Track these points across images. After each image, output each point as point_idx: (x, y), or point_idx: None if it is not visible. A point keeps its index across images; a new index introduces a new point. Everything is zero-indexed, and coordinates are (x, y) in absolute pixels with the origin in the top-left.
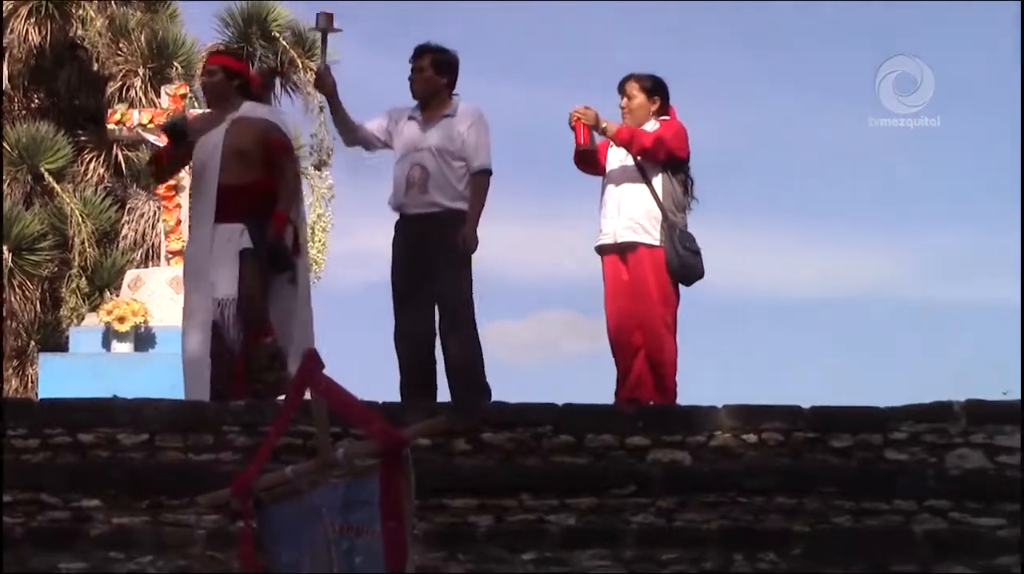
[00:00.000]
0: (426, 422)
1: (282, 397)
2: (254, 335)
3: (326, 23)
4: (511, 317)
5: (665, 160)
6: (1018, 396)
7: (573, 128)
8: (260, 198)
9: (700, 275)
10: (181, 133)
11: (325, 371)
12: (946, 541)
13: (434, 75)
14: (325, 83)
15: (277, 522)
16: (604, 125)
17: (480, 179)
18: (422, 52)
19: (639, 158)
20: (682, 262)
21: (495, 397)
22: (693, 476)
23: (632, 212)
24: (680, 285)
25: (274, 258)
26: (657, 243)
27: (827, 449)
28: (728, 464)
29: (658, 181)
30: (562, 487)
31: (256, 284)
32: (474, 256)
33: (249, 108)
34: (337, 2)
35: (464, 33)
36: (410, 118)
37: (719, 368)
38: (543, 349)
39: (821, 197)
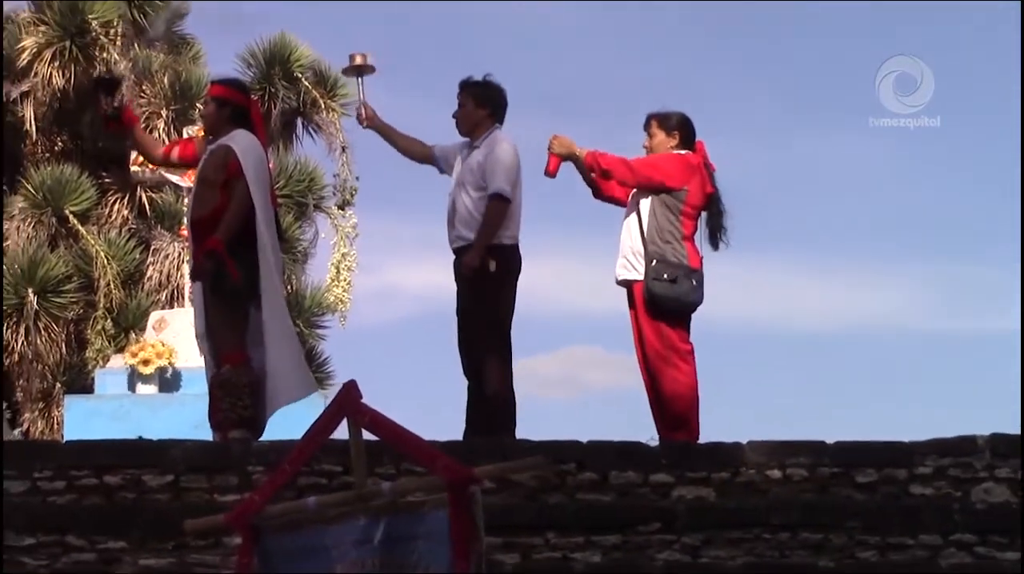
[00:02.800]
0: (512, 463)
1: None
2: (217, 366)
3: (360, 64)
4: (537, 353)
5: (639, 184)
6: None
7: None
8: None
9: (684, 304)
10: (110, 83)
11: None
12: None
13: (474, 108)
14: (364, 118)
15: (278, 552)
16: (577, 152)
17: (490, 204)
18: (463, 87)
19: (629, 188)
20: (652, 293)
21: (521, 433)
22: (718, 513)
23: (625, 249)
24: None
25: (214, 285)
26: (641, 277)
27: (852, 484)
28: (753, 500)
29: (645, 212)
30: (587, 525)
31: (215, 315)
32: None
33: (230, 136)
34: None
35: (495, 68)
36: (460, 151)
37: (743, 403)
38: (568, 384)
39: (837, 226)
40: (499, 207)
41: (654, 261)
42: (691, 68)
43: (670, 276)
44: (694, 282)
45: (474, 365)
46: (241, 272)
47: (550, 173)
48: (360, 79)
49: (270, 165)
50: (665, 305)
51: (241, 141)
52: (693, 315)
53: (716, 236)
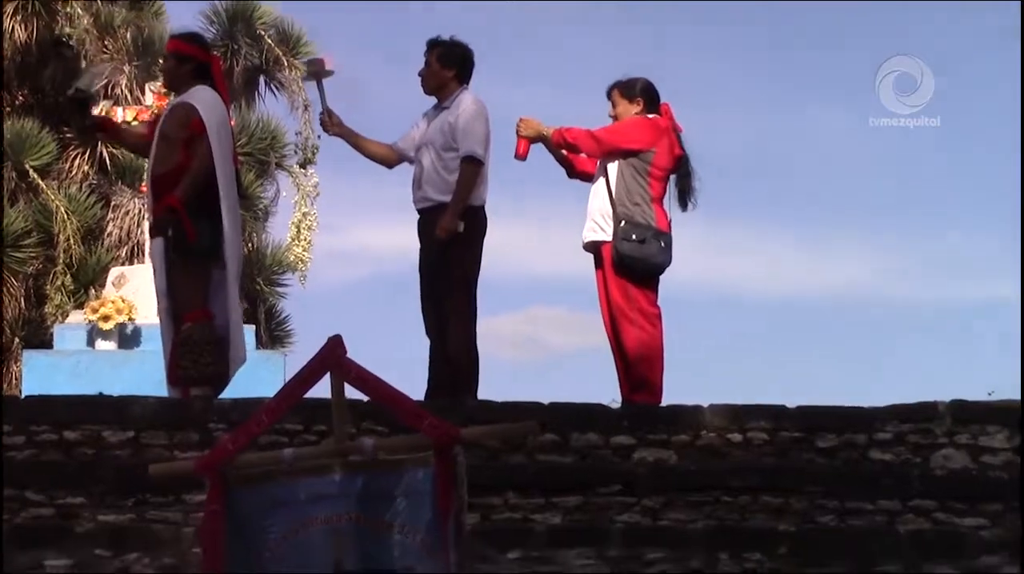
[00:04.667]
0: (502, 426)
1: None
2: (179, 323)
3: (318, 68)
4: (500, 313)
5: (607, 153)
6: (1002, 396)
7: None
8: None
9: (651, 265)
10: (84, 101)
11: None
12: (930, 541)
13: (440, 68)
14: (330, 128)
15: (249, 502)
16: (545, 132)
17: (463, 166)
18: (430, 46)
19: (597, 158)
20: (620, 254)
21: (483, 394)
22: (678, 475)
23: (593, 212)
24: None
25: (175, 245)
26: (609, 238)
27: (812, 449)
28: (714, 463)
29: (613, 175)
30: (547, 486)
31: (177, 273)
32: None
33: (192, 92)
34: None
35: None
36: (424, 115)
37: (705, 367)
38: (531, 345)
39: (811, 198)
40: (473, 169)
41: (623, 222)
42: (688, 54)
43: (639, 237)
44: (662, 243)
45: (438, 325)
46: (202, 230)
47: (520, 156)
48: (320, 84)
49: (232, 123)
50: (633, 265)
51: (203, 98)
52: (662, 278)
53: (685, 197)
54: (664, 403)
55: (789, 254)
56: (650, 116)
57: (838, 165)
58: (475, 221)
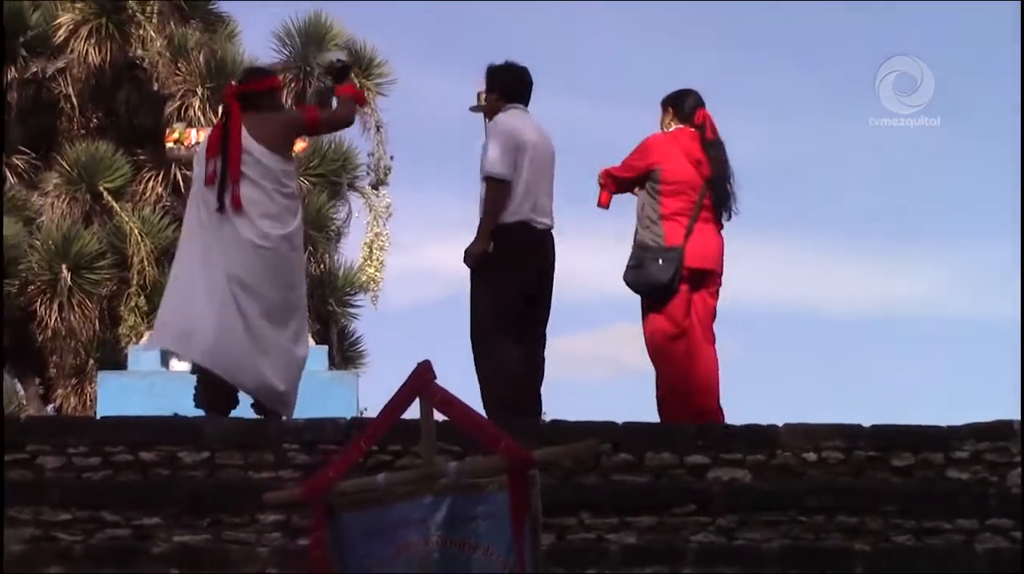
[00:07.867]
0: (568, 446)
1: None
2: None
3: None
4: (578, 331)
5: (626, 185)
6: None
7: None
8: None
9: (649, 286)
10: (343, 70)
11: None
12: (1008, 560)
13: (488, 95)
14: None
15: (351, 529)
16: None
17: (482, 187)
18: (485, 76)
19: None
20: (625, 282)
21: (556, 414)
22: (753, 494)
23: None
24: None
25: None
26: None
27: (888, 468)
28: (789, 483)
29: (638, 201)
30: (622, 506)
31: None
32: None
33: None
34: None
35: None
36: None
37: (779, 385)
38: (607, 363)
39: (869, 209)
40: (490, 188)
41: (633, 248)
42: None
43: (636, 262)
44: (661, 261)
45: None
46: None
47: (602, 205)
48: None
49: (302, 142)
50: (638, 291)
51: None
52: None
53: (719, 208)
54: (739, 422)
55: (860, 269)
56: (659, 132)
57: (894, 172)
58: (510, 239)
